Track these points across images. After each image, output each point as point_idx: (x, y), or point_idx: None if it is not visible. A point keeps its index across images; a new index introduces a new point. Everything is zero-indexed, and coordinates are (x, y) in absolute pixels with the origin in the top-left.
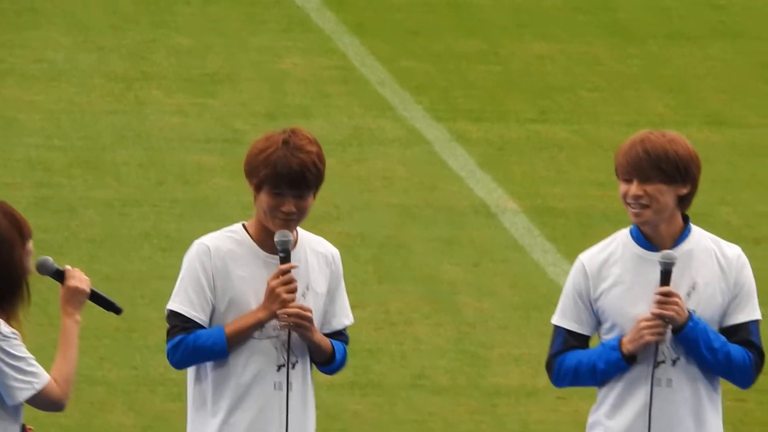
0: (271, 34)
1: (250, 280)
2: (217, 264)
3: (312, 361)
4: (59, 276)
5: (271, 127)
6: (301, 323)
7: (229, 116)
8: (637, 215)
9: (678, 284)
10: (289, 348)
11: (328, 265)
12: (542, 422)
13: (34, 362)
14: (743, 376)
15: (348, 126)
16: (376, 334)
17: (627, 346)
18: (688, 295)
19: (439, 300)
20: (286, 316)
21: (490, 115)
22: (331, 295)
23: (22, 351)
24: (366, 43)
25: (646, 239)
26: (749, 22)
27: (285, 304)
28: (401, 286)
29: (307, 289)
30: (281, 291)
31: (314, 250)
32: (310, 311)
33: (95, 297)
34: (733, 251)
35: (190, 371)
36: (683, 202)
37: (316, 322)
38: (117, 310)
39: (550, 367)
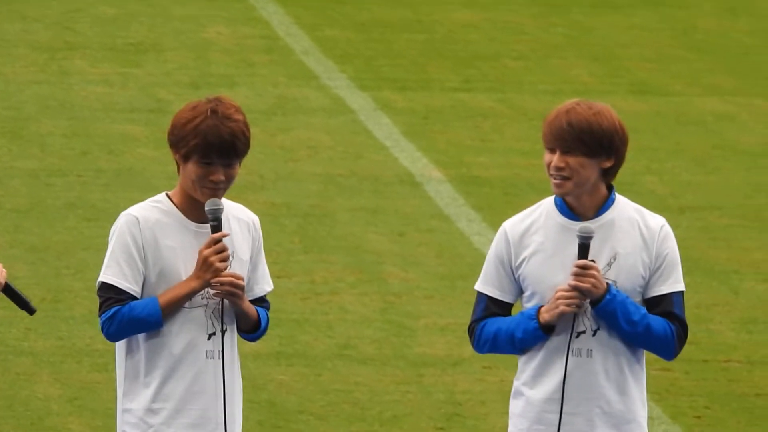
0: (195, 4)
1: (179, 250)
2: (147, 235)
3: (238, 328)
4: None
5: (196, 97)
6: (234, 291)
7: (153, 86)
8: (557, 186)
9: (599, 254)
10: (222, 317)
11: (249, 231)
12: (468, 392)
13: None
14: (665, 348)
15: (272, 95)
16: (302, 304)
17: (543, 316)
18: (609, 265)
19: (365, 270)
20: (219, 284)
21: (414, 84)
22: (253, 262)
23: None
24: (290, 11)
25: (569, 208)
26: None
27: (218, 272)
28: (326, 256)
29: (233, 256)
30: (215, 260)
31: (236, 218)
32: (243, 279)
33: (9, 292)
34: (657, 222)
35: (120, 343)
36: (607, 174)
37: None
38: (30, 310)
39: (471, 332)
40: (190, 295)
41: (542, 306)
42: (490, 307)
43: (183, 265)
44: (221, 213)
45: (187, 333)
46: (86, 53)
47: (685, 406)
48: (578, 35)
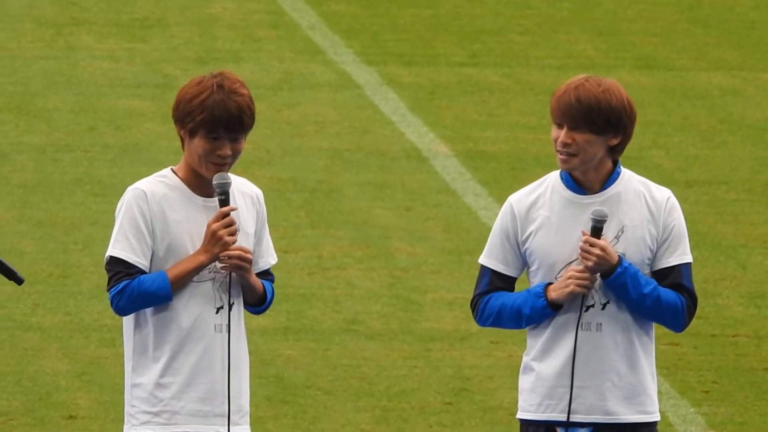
0: None
1: (186, 224)
2: (154, 209)
3: (244, 302)
4: None
5: (202, 72)
6: (242, 265)
7: (159, 61)
8: (563, 161)
9: (606, 227)
10: (230, 290)
11: (254, 205)
12: (476, 366)
13: None
14: (675, 320)
15: (278, 70)
16: (309, 279)
17: (551, 294)
18: (617, 238)
19: (372, 245)
20: (227, 258)
21: (420, 59)
22: (258, 236)
23: None
24: None
25: (575, 182)
26: None
27: (227, 246)
28: (333, 231)
29: (239, 230)
30: (223, 233)
31: (241, 191)
32: (250, 252)
33: None
34: (663, 194)
35: (128, 318)
36: (614, 150)
37: None
38: (18, 280)
39: (474, 306)
40: (198, 269)
41: (550, 283)
42: (494, 281)
43: (190, 239)
44: (229, 187)
45: (195, 307)
46: (92, 29)
47: (693, 381)
48: (584, 10)
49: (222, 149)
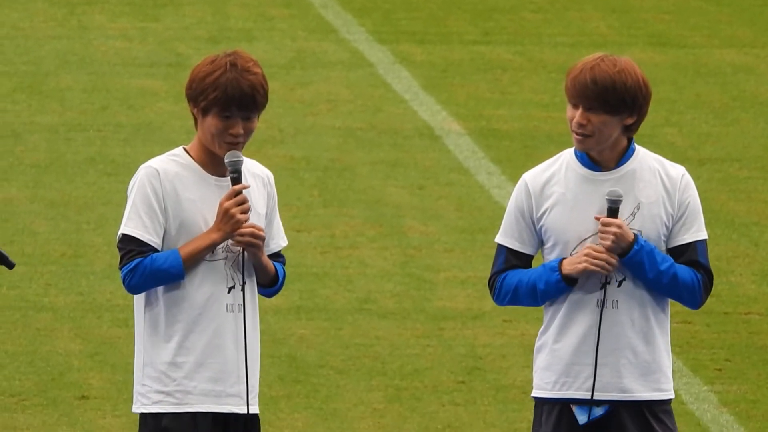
0: None
1: (199, 203)
2: (167, 187)
3: (256, 283)
4: None
5: (215, 51)
6: (255, 242)
7: (172, 40)
8: (579, 142)
9: (623, 204)
10: (243, 270)
11: (264, 186)
12: (489, 345)
13: None
14: (692, 297)
15: (291, 49)
16: (321, 258)
17: (566, 268)
18: (633, 215)
19: (385, 223)
20: (240, 236)
21: (433, 37)
22: (268, 218)
23: None
24: None
25: (590, 159)
26: None
27: (239, 224)
28: (346, 210)
29: (251, 210)
30: (236, 211)
31: (252, 172)
32: (263, 230)
33: None
34: (677, 171)
35: (139, 297)
36: (629, 129)
37: None
38: (9, 264)
39: (491, 285)
40: (211, 247)
41: (565, 258)
42: (510, 260)
43: (203, 218)
44: (241, 165)
45: (207, 286)
46: (105, 8)
47: (706, 359)
48: None
49: (234, 128)
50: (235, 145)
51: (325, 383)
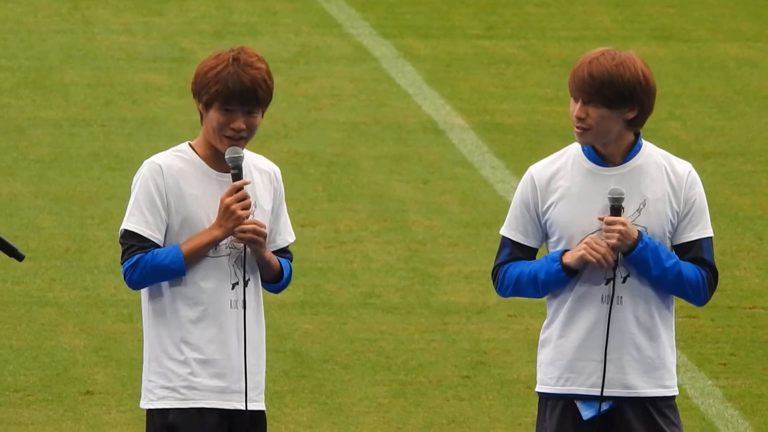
0: None
1: (202, 199)
2: (170, 182)
3: (261, 278)
4: None
5: (219, 46)
6: (256, 239)
7: (176, 35)
8: (579, 135)
9: (628, 200)
10: (245, 265)
11: (271, 182)
12: (493, 340)
13: None
14: (696, 294)
15: (295, 44)
16: (326, 253)
17: (566, 258)
18: (639, 211)
19: (389, 218)
20: (242, 233)
21: (437, 32)
22: (275, 213)
23: None
24: None
25: (596, 154)
26: None
27: (240, 220)
28: (350, 204)
29: (255, 206)
30: (236, 208)
31: (258, 168)
32: (265, 227)
33: None
34: (684, 167)
35: (145, 293)
36: (633, 123)
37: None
38: (19, 256)
39: (494, 276)
40: (212, 244)
41: (568, 250)
42: (514, 252)
43: (206, 214)
44: (242, 161)
45: (211, 282)
46: (109, 2)
47: (711, 354)
48: None
49: (236, 122)
50: (238, 140)
51: (329, 378)
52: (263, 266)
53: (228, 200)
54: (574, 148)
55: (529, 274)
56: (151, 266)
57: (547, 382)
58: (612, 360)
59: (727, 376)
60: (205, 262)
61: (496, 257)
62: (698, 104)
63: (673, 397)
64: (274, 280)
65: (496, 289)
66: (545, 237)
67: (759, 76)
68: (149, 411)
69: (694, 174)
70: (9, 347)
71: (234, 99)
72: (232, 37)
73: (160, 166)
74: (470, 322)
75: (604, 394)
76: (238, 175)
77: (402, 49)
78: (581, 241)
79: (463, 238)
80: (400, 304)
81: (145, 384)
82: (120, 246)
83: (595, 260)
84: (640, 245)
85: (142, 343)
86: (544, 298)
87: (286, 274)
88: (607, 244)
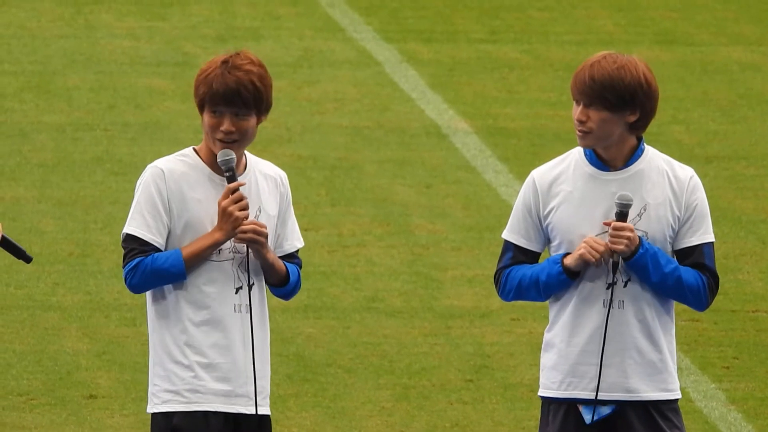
0: None
1: (205, 203)
2: (172, 187)
3: (267, 283)
4: None
5: (222, 50)
6: (257, 239)
7: (179, 39)
8: (580, 138)
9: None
10: (248, 269)
11: (277, 187)
12: (496, 344)
13: None
14: (697, 299)
15: (298, 48)
16: (329, 257)
17: (567, 260)
18: (640, 215)
19: (392, 222)
20: (242, 233)
21: (440, 36)
22: (281, 218)
23: None
24: None
25: (598, 158)
26: None
27: (239, 221)
28: (354, 209)
29: (260, 211)
30: (233, 209)
31: (263, 173)
32: (265, 227)
33: (5, 243)
34: (686, 173)
35: (150, 297)
36: (635, 126)
37: (270, 245)
38: (27, 258)
39: (497, 280)
40: (213, 247)
41: (569, 253)
42: (516, 256)
43: (209, 218)
44: (233, 163)
45: (214, 286)
46: (112, 7)
47: (714, 357)
48: None
49: (225, 124)
50: (230, 143)
51: (333, 382)
52: (267, 269)
53: (224, 203)
54: (576, 153)
55: (531, 277)
56: (151, 270)
57: (549, 387)
58: (614, 364)
59: (730, 379)
60: (209, 266)
61: (499, 261)
62: (701, 108)
63: (676, 400)
64: (280, 284)
65: (498, 293)
66: (547, 241)
67: (762, 80)
68: (154, 415)
69: (696, 179)
70: (12, 351)
71: (219, 100)
72: (235, 41)
73: (162, 171)
74: (473, 326)
75: (608, 398)
76: (232, 177)
77: (405, 53)
78: None
79: (466, 242)
80: (404, 308)
81: (150, 388)
82: (122, 250)
83: (594, 259)
84: (640, 251)
85: (146, 347)
86: (547, 302)
87: (291, 279)
88: (609, 247)
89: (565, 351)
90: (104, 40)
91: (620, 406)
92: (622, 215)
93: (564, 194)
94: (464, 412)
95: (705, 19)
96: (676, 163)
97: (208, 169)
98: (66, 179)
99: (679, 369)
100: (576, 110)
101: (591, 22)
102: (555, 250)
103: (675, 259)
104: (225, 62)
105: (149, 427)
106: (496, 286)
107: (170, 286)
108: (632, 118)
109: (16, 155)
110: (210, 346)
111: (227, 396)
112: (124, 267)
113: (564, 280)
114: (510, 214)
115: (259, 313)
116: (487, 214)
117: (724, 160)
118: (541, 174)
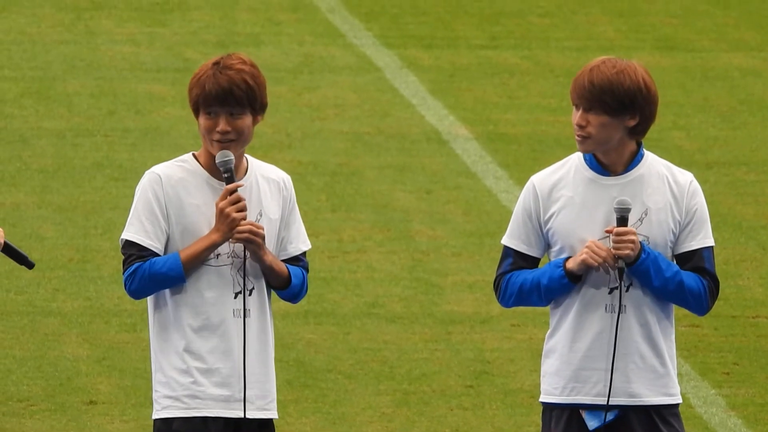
0: None
1: (203, 208)
2: (169, 192)
3: (269, 286)
4: None
5: None
6: (253, 239)
7: (179, 45)
8: (579, 143)
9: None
10: (245, 273)
11: (280, 191)
12: (497, 349)
13: None
14: (698, 304)
15: (299, 54)
16: (329, 263)
17: (568, 264)
18: (641, 220)
19: (392, 228)
20: (238, 233)
21: (440, 42)
22: (285, 221)
23: None
24: None
25: (598, 163)
26: None
27: (236, 222)
28: (354, 214)
29: (261, 215)
30: (231, 210)
31: (265, 177)
32: (262, 228)
33: (8, 250)
34: (685, 177)
35: (150, 303)
36: (635, 131)
37: (271, 249)
38: (29, 264)
39: (497, 286)
40: (211, 248)
41: (571, 257)
42: (516, 261)
43: (208, 223)
44: (232, 164)
45: (213, 291)
46: (112, 13)
47: (714, 363)
48: None
49: (220, 124)
50: (227, 144)
51: (333, 388)
52: (266, 271)
53: (222, 204)
54: (576, 158)
55: (532, 281)
56: (149, 274)
57: (551, 392)
58: (617, 369)
59: (730, 385)
60: (207, 271)
61: (498, 267)
62: (702, 114)
63: (677, 405)
64: (282, 287)
65: (498, 299)
66: (547, 246)
67: (763, 86)
68: (155, 421)
69: (696, 184)
70: (12, 357)
71: (212, 101)
72: (235, 47)
73: (160, 176)
74: (474, 332)
75: (611, 402)
76: (230, 179)
77: (405, 59)
78: None
79: (467, 248)
80: (404, 314)
81: (153, 394)
82: (122, 256)
83: (596, 264)
84: (642, 256)
85: (146, 352)
86: (548, 308)
87: (295, 282)
88: (613, 252)
89: (568, 356)
90: (104, 46)
91: (623, 411)
92: (623, 220)
93: (565, 199)
94: (464, 418)
95: (705, 25)
96: (675, 168)
97: (207, 174)
98: (66, 185)
99: (680, 375)
100: (575, 115)
101: (591, 28)
102: (556, 255)
103: (675, 263)
104: (216, 63)
105: None
106: (495, 293)
107: (170, 291)
108: (632, 123)
109: (17, 161)
110: (209, 351)
111: (227, 401)
112: (123, 273)
113: (566, 284)
114: (510, 219)
115: (259, 318)
116: (487, 219)
117: (724, 166)
118: (541, 179)
